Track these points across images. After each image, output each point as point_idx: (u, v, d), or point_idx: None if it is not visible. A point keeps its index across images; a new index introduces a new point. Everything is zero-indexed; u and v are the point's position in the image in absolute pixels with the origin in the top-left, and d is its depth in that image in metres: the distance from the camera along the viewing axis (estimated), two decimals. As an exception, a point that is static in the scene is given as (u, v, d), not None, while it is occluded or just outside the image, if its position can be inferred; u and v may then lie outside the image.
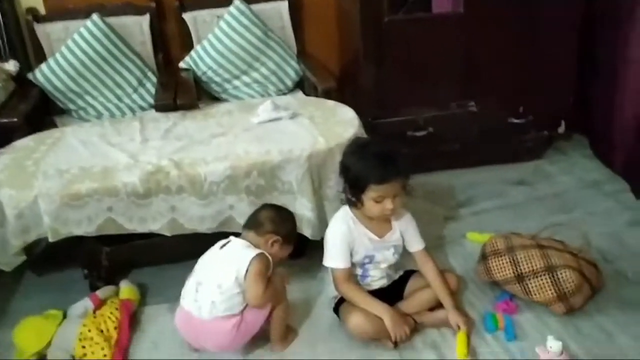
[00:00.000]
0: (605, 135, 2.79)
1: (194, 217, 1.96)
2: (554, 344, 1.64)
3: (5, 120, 2.20)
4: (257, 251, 1.73)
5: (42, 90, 2.54)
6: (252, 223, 1.84)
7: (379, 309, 1.76)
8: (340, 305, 1.87)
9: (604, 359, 1.70)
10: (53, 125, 2.50)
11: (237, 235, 1.84)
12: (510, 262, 1.92)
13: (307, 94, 2.74)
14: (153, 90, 2.63)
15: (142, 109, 2.62)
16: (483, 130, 2.79)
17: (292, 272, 2.13)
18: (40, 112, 2.51)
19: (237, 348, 1.78)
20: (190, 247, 1.87)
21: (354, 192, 1.78)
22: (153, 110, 2.49)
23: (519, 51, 2.66)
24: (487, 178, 2.83)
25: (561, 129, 2.97)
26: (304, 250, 2.23)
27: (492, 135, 2.82)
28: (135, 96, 2.62)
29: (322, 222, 2.04)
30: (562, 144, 3.12)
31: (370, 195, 1.74)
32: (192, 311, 1.71)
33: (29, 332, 1.82)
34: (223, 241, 1.80)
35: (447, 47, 2.63)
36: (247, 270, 1.68)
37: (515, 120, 2.81)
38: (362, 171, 1.74)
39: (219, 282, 1.68)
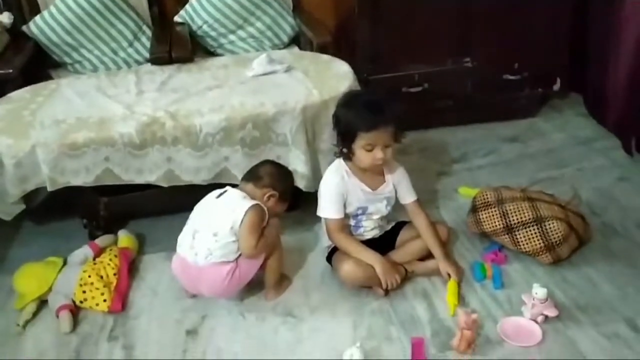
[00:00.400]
0: (599, 94, 2.80)
1: (190, 168, 1.99)
2: (539, 291, 1.69)
3: (0, 72, 2.20)
4: (253, 202, 1.76)
5: (37, 43, 2.53)
6: (251, 176, 1.87)
7: (371, 257, 1.81)
8: (333, 254, 1.92)
9: (588, 307, 1.76)
10: (48, 78, 2.50)
11: (232, 187, 1.87)
12: (500, 213, 1.96)
13: (302, 50, 2.73)
14: (148, 44, 2.62)
15: (138, 62, 2.62)
16: (478, 87, 2.80)
17: (286, 224, 2.17)
18: (36, 65, 2.51)
19: (231, 294, 1.83)
20: (186, 198, 1.90)
21: (345, 143, 1.81)
22: (148, 64, 2.49)
23: (514, 7, 2.64)
24: (481, 135, 2.85)
25: (556, 87, 2.97)
26: (297, 203, 2.26)
27: (486, 91, 2.83)
28: (130, 50, 2.62)
29: (316, 175, 2.07)
30: (557, 102, 3.13)
31: (360, 143, 1.76)
32: (187, 258, 1.75)
33: (30, 278, 1.87)
34: (219, 190, 1.84)
35: (443, 3, 2.61)
36: (242, 221, 1.72)
37: (510, 77, 2.81)
38: (351, 120, 1.77)
39: (215, 230, 1.72)
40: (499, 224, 1.96)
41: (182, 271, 1.80)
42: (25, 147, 1.84)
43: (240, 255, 1.74)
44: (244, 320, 1.80)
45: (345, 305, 1.83)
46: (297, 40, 2.84)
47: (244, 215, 1.72)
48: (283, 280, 1.91)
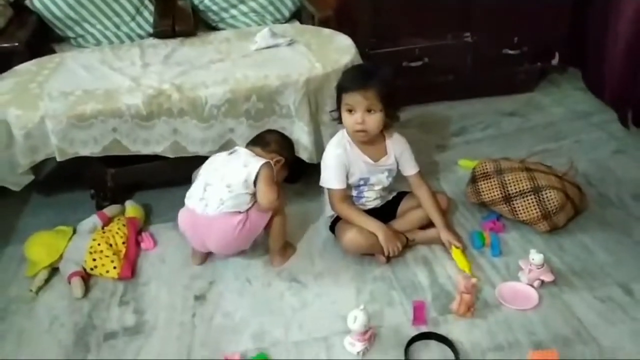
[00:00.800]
0: (597, 68, 2.83)
1: (196, 139, 2.02)
2: (535, 257, 1.74)
3: (6, 45, 2.22)
4: (265, 160, 1.82)
5: (39, 17, 2.53)
6: (259, 141, 1.95)
7: (373, 225, 1.86)
8: (336, 224, 1.97)
9: (583, 272, 1.82)
10: (52, 52, 2.51)
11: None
12: (499, 183, 2.01)
13: (303, 24, 2.74)
14: (151, 19, 2.63)
15: (140, 37, 2.63)
16: (478, 62, 2.83)
17: (289, 194, 2.22)
18: (39, 39, 2.52)
19: (239, 248, 1.87)
20: (190, 170, 1.95)
21: (337, 106, 1.88)
22: (151, 38, 2.51)
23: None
24: (480, 109, 2.89)
25: (555, 61, 3.01)
26: (300, 175, 2.31)
27: (486, 66, 2.86)
28: (133, 24, 2.63)
29: (319, 147, 2.11)
30: (555, 76, 3.17)
31: (343, 105, 1.82)
32: (197, 209, 1.78)
33: (41, 246, 1.92)
34: (229, 151, 1.90)
35: (444, -23, 2.64)
36: (256, 176, 1.76)
37: (510, 52, 2.84)
38: (339, 83, 1.86)
39: (229, 182, 1.76)
40: (498, 194, 2.01)
41: (190, 224, 1.82)
42: (34, 118, 1.87)
43: (250, 208, 1.78)
44: (250, 285, 1.86)
45: (349, 272, 1.89)
46: (298, 15, 2.85)
47: (259, 170, 1.77)
48: (288, 248, 1.96)
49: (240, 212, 1.77)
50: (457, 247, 1.89)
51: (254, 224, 1.80)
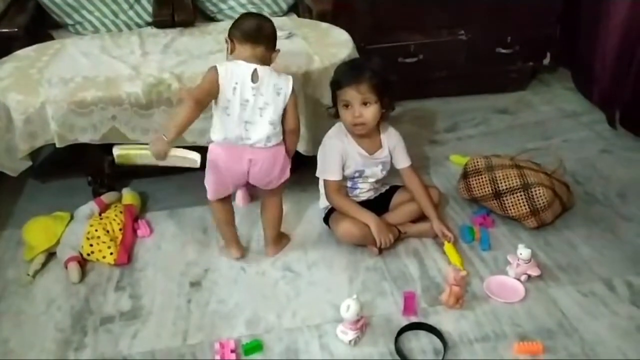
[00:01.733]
0: (586, 68, 2.90)
1: (194, 130, 2.03)
2: (523, 252, 1.80)
3: (5, 30, 2.23)
4: (288, 78, 1.77)
5: (38, 3, 2.54)
6: (258, 37, 1.76)
7: (366, 216, 1.90)
8: (330, 215, 2.01)
9: (568, 267, 1.88)
10: (50, 38, 2.52)
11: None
12: (490, 180, 2.07)
13: (301, 17, 2.77)
14: (149, 8, 2.63)
15: (138, 25, 2.64)
16: (471, 59, 2.88)
17: (284, 186, 2.26)
18: (37, 25, 2.52)
19: (286, 177, 1.87)
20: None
21: (333, 103, 1.92)
22: (149, 27, 2.53)
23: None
24: (472, 106, 2.95)
25: (546, 61, 3.07)
26: (295, 166, 2.34)
27: (480, 64, 2.92)
28: (131, 12, 2.63)
29: (315, 140, 2.14)
30: (546, 76, 3.23)
31: (339, 102, 1.87)
32: (241, 144, 1.74)
33: (38, 231, 1.94)
34: (247, 72, 1.72)
35: (441, -26, 2.68)
36: (289, 102, 1.76)
37: (503, 50, 2.89)
38: (333, 79, 1.90)
39: (271, 119, 1.73)
40: (488, 190, 2.06)
41: (229, 158, 1.76)
42: (35, 103, 1.89)
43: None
44: (244, 273, 1.90)
45: (342, 262, 1.93)
46: (295, 8, 2.87)
47: (290, 96, 1.76)
48: (282, 238, 2.00)
49: (282, 144, 1.80)
50: (449, 239, 1.94)
51: (287, 161, 1.86)
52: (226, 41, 1.80)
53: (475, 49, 2.86)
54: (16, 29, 2.23)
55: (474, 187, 2.10)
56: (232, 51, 1.78)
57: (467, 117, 2.85)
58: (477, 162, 2.14)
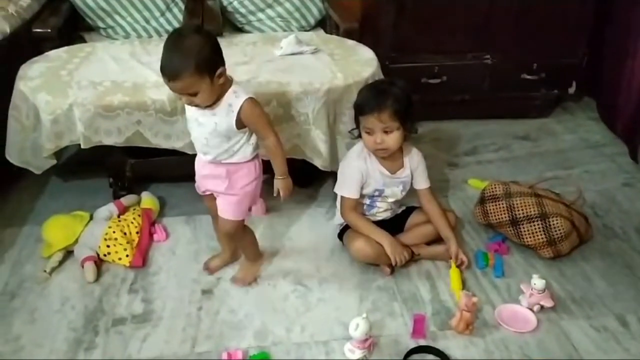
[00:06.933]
0: (611, 99, 2.87)
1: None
2: (537, 282, 1.79)
3: (39, 31, 2.28)
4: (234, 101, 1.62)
5: (72, 6, 2.60)
6: (202, 65, 1.50)
7: (380, 235, 1.91)
8: (344, 232, 2.02)
9: (582, 301, 1.86)
10: (81, 40, 2.58)
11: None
12: (507, 207, 2.06)
13: (327, 33, 2.80)
14: (179, 16, 2.69)
15: (168, 32, 2.68)
16: (495, 84, 2.88)
17: (300, 199, 2.28)
18: (69, 27, 2.58)
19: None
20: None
21: (356, 125, 1.93)
22: (178, 35, 2.57)
23: (538, 8, 2.71)
24: (493, 130, 2.94)
25: (572, 90, 3.05)
26: (311, 180, 2.37)
27: (503, 89, 2.91)
28: (162, 20, 2.69)
29: (333, 156, 2.16)
30: (570, 104, 3.21)
31: (362, 126, 1.87)
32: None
33: (58, 229, 1.98)
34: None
35: (469, -3, 2.69)
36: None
37: (528, 77, 2.88)
38: (356, 103, 1.90)
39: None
40: (505, 217, 2.05)
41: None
42: (63, 105, 1.93)
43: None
44: (256, 284, 1.91)
45: (353, 280, 1.93)
46: (322, 24, 2.90)
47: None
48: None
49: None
50: (458, 265, 1.93)
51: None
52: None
53: (500, 74, 2.86)
54: (49, 30, 2.29)
55: (491, 213, 2.10)
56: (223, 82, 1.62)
57: (487, 141, 2.85)
58: (495, 187, 2.13)
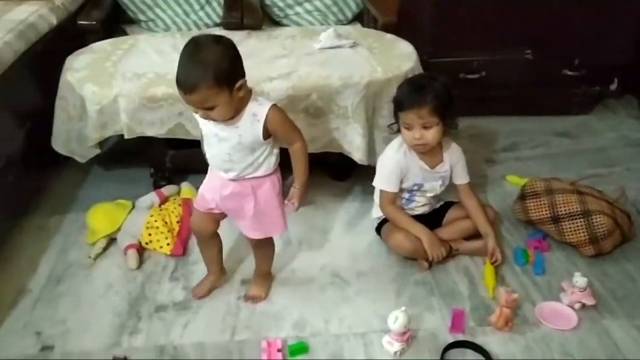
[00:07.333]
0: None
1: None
2: (579, 280, 1.76)
3: (84, 23, 2.33)
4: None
5: (115, -1, 2.66)
6: (221, 79, 1.41)
7: (419, 230, 1.90)
8: (382, 225, 2.02)
9: (624, 300, 1.83)
10: (123, 33, 2.63)
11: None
12: (548, 203, 2.03)
13: (365, 27, 2.79)
14: (218, 9, 2.71)
15: (207, 26, 2.72)
16: (535, 79, 2.83)
17: (337, 192, 2.29)
18: (111, 20, 2.63)
19: None
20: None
21: (395, 120, 1.92)
22: (217, 28, 2.60)
23: (582, 3, 2.66)
24: (533, 127, 2.89)
25: (613, 87, 2.98)
26: (349, 173, 2.37)
27: (544, 85, 2.86)
28: (201, 13, 2.72)
29: (371, 149, 2.15)
30: (611, 102, 3.13)
31: (401, 122, 1.86)
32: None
33: (102, 216, 2.03)
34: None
35: (510, -8, 2.65)
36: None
37: (569, 73, 2.83)
38: (395, 99, 1.89)
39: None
40: (546, 213, 2.02)
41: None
42: (109, 95, 1.97)
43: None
44: (294, 276, 1.92)
45: (390, 274, 1.93)
46: (360, 17, 2.90)
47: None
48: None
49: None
50: (493, 262, 1.91)
51: None
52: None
53: (540, 69, 2.80)
54: (94, 22, 2.34)
55: (531, 210, 2.07)
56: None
57: (526, 137, 2.80)
58: (536, 184, 2.10)
